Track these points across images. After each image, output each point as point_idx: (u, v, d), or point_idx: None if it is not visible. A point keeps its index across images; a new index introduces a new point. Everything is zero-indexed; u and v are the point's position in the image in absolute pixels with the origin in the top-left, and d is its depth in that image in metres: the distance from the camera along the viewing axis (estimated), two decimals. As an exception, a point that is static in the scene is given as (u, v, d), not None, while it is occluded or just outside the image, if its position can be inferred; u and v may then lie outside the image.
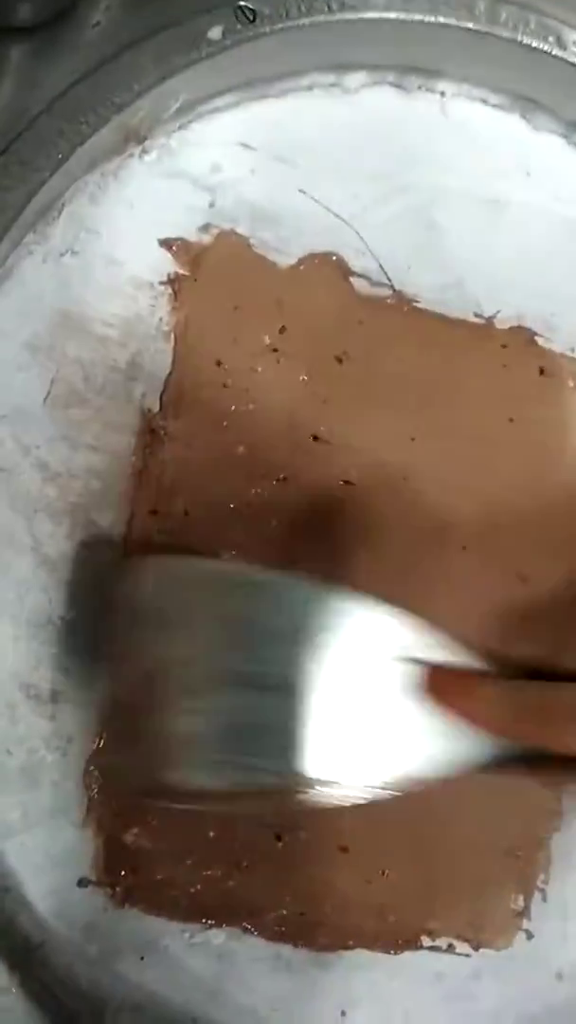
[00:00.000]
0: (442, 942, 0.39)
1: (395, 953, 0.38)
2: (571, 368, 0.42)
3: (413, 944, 0.38)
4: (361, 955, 0.38)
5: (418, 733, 0.30)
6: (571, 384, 0.42)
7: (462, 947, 0.39)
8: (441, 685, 0.29)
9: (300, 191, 0.41)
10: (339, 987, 0.38)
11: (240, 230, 0.40)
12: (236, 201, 0.40)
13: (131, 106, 0.38)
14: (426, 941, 0.39)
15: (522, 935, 0.39)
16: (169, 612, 0.32)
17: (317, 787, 0.30)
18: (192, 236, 0.40)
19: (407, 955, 0.38)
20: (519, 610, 0.41)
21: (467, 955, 0.39)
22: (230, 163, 0.40)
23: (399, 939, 0.38)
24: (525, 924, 0.39)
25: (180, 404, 0.39)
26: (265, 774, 0.30)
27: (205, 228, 0.40)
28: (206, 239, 0.40)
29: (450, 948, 0.39)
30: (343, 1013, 0.38)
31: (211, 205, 0.40)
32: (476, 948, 0.39)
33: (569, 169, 0.43)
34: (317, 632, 0.31)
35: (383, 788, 0.31)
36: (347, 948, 0.38)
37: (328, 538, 0.39)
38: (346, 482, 0.40)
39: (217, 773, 0.30)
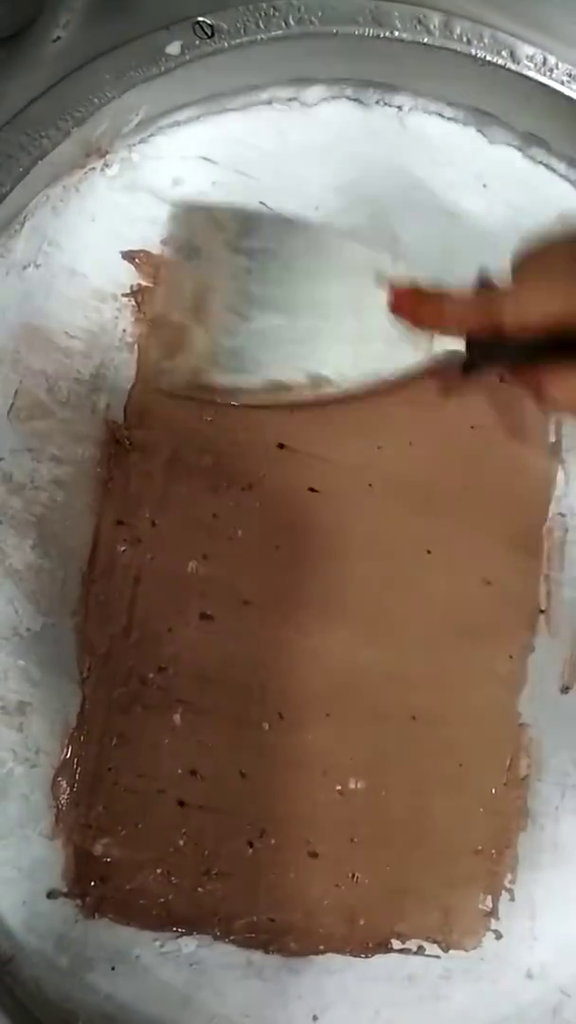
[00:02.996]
0: (412, 944, 0.39)
1: (366, 956, 0.38)
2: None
3: (383, 947, 0.38)
4: (332, 959, 0.38)
5: (393, 338, 0.38)
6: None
7: (432, 949, 0.39)
8: (401, 299, 0.38)
9: (261, 203, 0.41)
10: (310, 991, 0.38)
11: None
12: (197, 210, 0.41)
13: (91, 120, 0.38)
14: (396, 944, 0.39)
15: (491, 935, 0.39)
16: (209, 248, 0.39)
17: (324, 385, 0.38)
18: (155, 248, 0.40)
19: (378, 958, 0.38)
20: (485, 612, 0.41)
21: (437, 956, 0.39)
22: (191, 176, 0.41)
23: (369, 942, 0.38)
24: (494, 924, 0.40)
25: (144, 415, 0.39)
26: (291, 371, 0.38)
27: (168, 240, 0.40)
28: (169, 251, 0.40)
29: (420, 950, 0.39)
30: (315, 1018, 0.38)
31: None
32: (446, 949, 0.39)
33: (525, 181, 0.44)
34: (318, 262, 0.39)
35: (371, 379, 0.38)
36: (318, 953, 0.38)
37: (295, 545, 0.40)
38: (312, 489, 0.40)
39: (253, 374, 0.38)
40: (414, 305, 0.38)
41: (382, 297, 0.38)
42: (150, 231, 0.40)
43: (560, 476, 0.43)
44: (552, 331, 0.34)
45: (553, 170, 0.45)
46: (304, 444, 0.40)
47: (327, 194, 0.42)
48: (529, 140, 0.44)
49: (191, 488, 0.39)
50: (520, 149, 0.44)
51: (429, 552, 0.41)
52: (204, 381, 0.38)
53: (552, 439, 0.43)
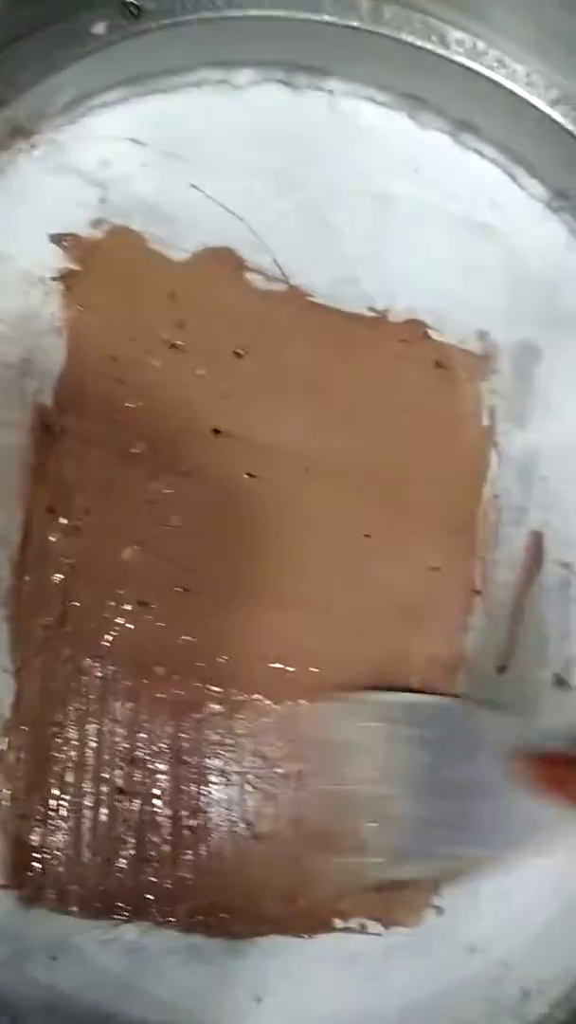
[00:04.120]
0: (354, 923, 0.39)
1: (308, 937, 0.38)
2: (464, 360, 0.43)
3: (325, 927, 0.39)
4: (274, 941, 0.38)
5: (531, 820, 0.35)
6: (464, 376, 0.43)
7: (374, 927, 0.39)
8: (546, 773, 0.33)
9: (192, 186, 0.41)
10: (253, 974, 0.38)
11: (133, 225, 0.40)
12: (127, 196, 0.40)
13: (15, 101, 0.38)
14: (338, 923, 0.39)
15: (432, 912, 0.40)
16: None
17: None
18: (84, 231, 0.39)
19: (320, 938, 0.39)
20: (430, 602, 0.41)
21: (379, 934, 0.39)
22: (120, 158, 0.40)
23: (311, 923, 0.38)
24: (435, 900, 0.40)
25: (75, 400, 0.38)
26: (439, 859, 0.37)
27: (97, 223, 0.40)
28: (98, 234, 0.39)
29: (362, 928, 0.39)
30: (258, 999, 0.38)
31: (102, 200, 0.40)
32: (387, 927, 0.39)
33: (456, 166, 0.44)
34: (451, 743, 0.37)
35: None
36: (260, 935, 0.38)
37: (233, 531, 0.39)
38: (249, 475, 0.40)
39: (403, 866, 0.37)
40: (555, 777, 0.33)
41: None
42: (78, 213, 0.39)
43: (493, 459, 0.43)
44: None
45: (483, 156, 0.45)
46: (240, 429, 0.40)
47: (256, 178, 0.42)
48: (460, 126, 0.44)
49: (125, 475, 0.39)
50: (451, 135, 0.44)
51: (367, 536, 0.41)
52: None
53: (486, 422, 0.43)
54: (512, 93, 0.43)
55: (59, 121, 0.40)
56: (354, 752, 0.36)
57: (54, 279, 0.39)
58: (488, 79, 0.43)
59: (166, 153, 0.41)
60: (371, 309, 0.42)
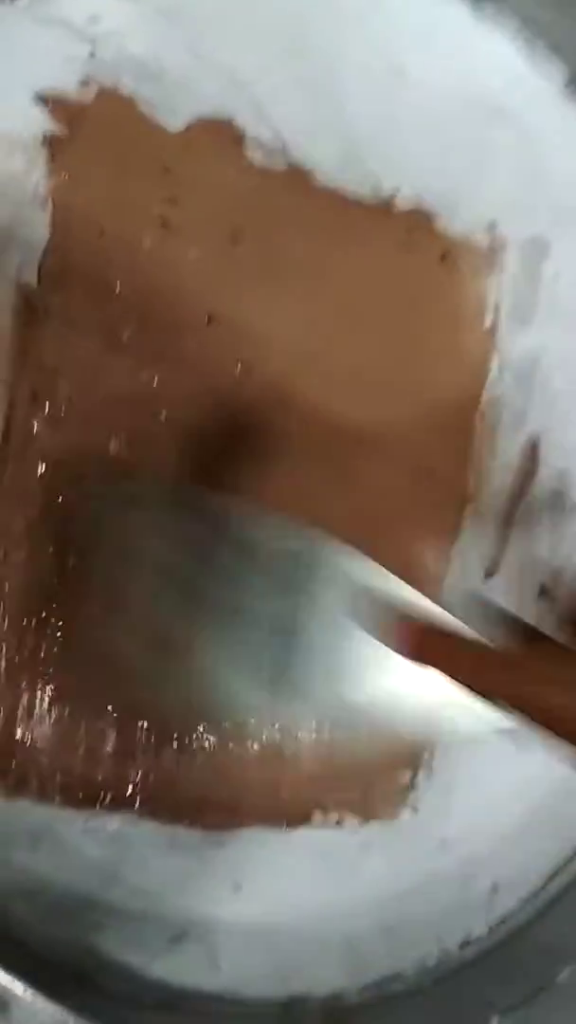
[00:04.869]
0: (332, 817, 0.40)
1: (288, 829, 0.39)
2: (470, 254, 0.41)
3: (305, 819, 0.39)
4: (254, 833, 0.39)
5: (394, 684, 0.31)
6: (469, 271, 0.41)
7: (351, 822, 0.40)
8: (420, 642, 0.29)
9: (188, 47, 0.38)
10: (233, 863, 0.39)
11: (123, 87, 0.37)
12: (118, 54, 0.37)
13: None
14: (317, 816, 0.40)
15: (408, 808, 0.41)
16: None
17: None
18: (71, 91, 0.36)
19: (299, 832, 0.39)
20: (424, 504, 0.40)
21: (355, 831, 0.40)
22: (110, 14, 0.37)
23: (292, 814, 0.39)
24: (411, 798, 0.41)
25: (60, 278, 0.36)
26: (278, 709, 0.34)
27: (85, 82, 0.37)
28: (86, 96, 0.36)
29: (340, 823, 0.40)
30: (237, 888, 0.39)
31: (91, 55, 0.37)
32: (364, 821, 0.40)
33: (474, 41, 0.41)
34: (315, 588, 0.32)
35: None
36: (241, 826, 0.39)
37: (225, 427, 0.38)
38: (243, 367, 0.38)
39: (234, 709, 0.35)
40: (422, 645, 0.29)
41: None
42: (65, 70, 0.36)
43: (494, 361, 0.42)
44: None
45: (504, 29, 0.42)
46: (234, 317, 0.38)
47: (260, 43, 0.38)
48: (480, -7, 0.41)
49: (112, 363, 0.37)
50: (472, 5, 0.41)
51: (361, 435, 0.40)
52: None
53: (489, 323, 0.42)
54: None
55: (44, -33, 0.36)
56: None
57: (38, 143, 0.36)
58: None
59: (161, 11, 0.37)
60: (376, 193, 0.40)
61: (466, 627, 0.29)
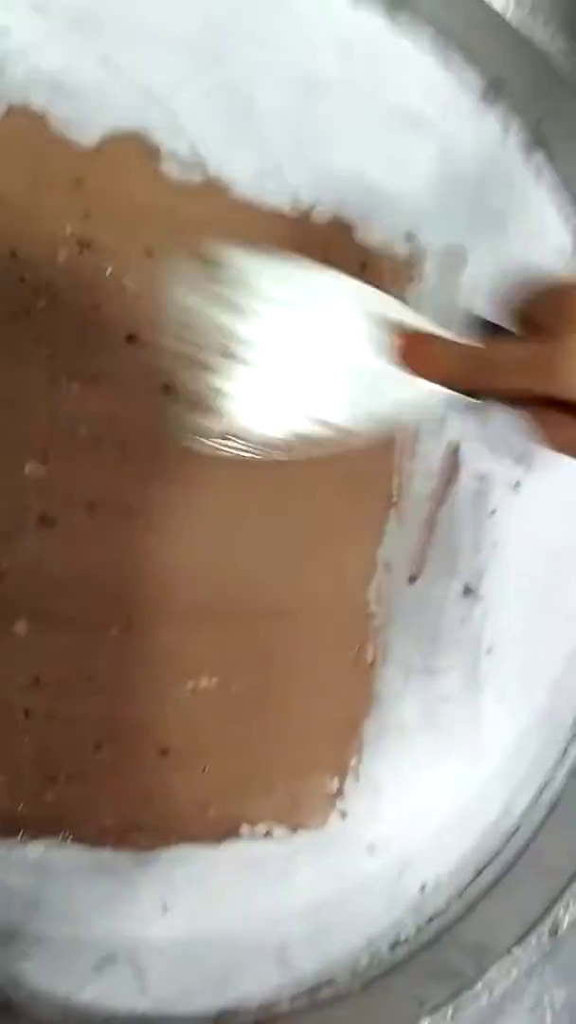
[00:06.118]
0: (261, 828, 0.40)
1: (216, 844, 0.39)
2: (389, 264, 0.41)
3: (233, 833, 0.40)
4: (182, 850, 0.39)
5: (390, 385, 0.33)
6: (388, 281, 0.41)
7: (280, 832, 0.40)
8: (407, 348, 0.32)
9: (102, 61, 0.37)
10: (160, 883, 0.38)
11: (34, 104, 0.36)
12: (29, 71, 0.36)
13: None
14: (246, 829, 0.40)
15: (336, 815, 0.41)
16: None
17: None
18: (-20, 109, 0.36)
19: (227, 845, 0.39)
20: None
21: (284, 839, 0.40)
22: (20, 27, 0.36)
23: (219, 830, 0.39)
24: (339, 804, 0.41)
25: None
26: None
27: (-7, 100, 0.36)
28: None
29: (268, 834, 0.40)
30: (165, 908, 0.39)
31: (-1, 73, 0.36)
32: (293, 831, 0.40)
33: (390, 51, 0.42)
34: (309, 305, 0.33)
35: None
36: (168, 844, 0.39)
37: (143, 444, 0.38)
38: (167, 387, 0.38)
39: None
40: (417, 354, 0.32)
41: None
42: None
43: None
44: None
45: (420, 39, 0.42)
46: (155, 336, 0.37)
47: (175, 54, 0.38)
48: (396, 3, 0.41)
49: (27, 382, 0.36)
50: (387, 15, 0.41)
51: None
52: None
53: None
54: (451, -29, 0.40)
55: (-53, -21, 0.35)
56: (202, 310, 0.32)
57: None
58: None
59: (73, 22, 0.37)
60: (295, 205, 0.40)
61: (446, 333, 0.32)
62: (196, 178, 0.38)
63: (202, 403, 0.33)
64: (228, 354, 0.32)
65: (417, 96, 0.42)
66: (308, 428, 0.33)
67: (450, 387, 0.32)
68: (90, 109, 0.37)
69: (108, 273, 0.37)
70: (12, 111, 0.36)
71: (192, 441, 0.33)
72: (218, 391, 0.32)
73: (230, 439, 0.33)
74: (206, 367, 0.32)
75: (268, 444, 0.33)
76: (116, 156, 0.37)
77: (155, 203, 0.38)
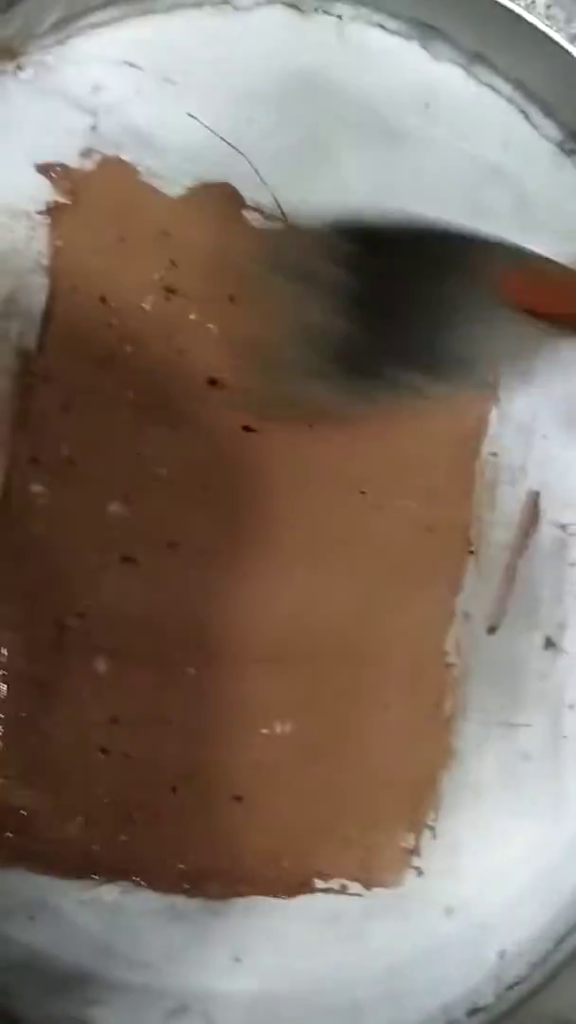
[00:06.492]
0: (334, 883, 0.39)
1: (288, 897, 0.38)
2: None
3: (306, 887, 0.39)
4: (255, 901, 0.38)
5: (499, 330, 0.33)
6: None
7: (354, 887, 0.39)
8: (521, 284, 0.32)
9: (189, 115, 0.38)
10: (233, 933, 0.38)
11: (125, 156, 0.38)
12: (120, 124, 0.38)
13: (1, 20, 0.35)
14: (319, 883, 0.39)
15: (412, 872, 0.40)
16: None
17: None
18: (73, 161, 0.37)
19: (300, 898, 0.39)
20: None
21: (359, 895, 0.39)
22: (113, 82, 0.38)
23: (292, 883, 0.38)
24: (415, 862, 0.40)
25: (60, 344, 0.36)
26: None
27: (87, 153, 0.37)
28: (88, 165, 0.37)
29: (342, 889, 0.39)
30: (237, 959, 0.38)
31: (93, 128, 0.38)
32: (367, 887, 0.39)
33: (468, 102, 0.42)
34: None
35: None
36: (241, 895, 0.38)
37: (225, 485, 0.38)
38: (247, 428, 0.38)
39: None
40: (536, 292, 0.32)
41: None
42: (67, 142, 0.37)
43: (494, 415, 0.42)
44: None
45: (498, 92, 0.43)
46: (238, 379, 0.38)
47: (259, 108, 0.39)
48: (474, 58, 0.42)
49: (112, 425, 0.37)
50: (464, 67, 0.42)
51: (363, 492, 0.40)
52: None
53: (489, 378, 0.42)
54: (531, 25, 0.40)
55: (48, 41, 0.37)
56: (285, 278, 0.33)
57: (40, 213, 0.37)
58: (506, 8, 0.40)
59: (162, 78, 0.38)
60: (374, 255, 0.40)
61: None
62: (278, 227, 0.39)
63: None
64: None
65: (495, 146, 0.42)
66: (406, 382, 0.32)
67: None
68: (177, 161, 0.38)
69: (192, 318, 0.38)
70: (105, 161, 0.37)
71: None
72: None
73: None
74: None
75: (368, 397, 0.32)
76: (202, 206, 0.38)
77: (239, 251, 0.39)
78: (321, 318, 0.33)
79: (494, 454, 0.42)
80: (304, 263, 0.33)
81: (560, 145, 0.43)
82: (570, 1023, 0.38)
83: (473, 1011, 0.40)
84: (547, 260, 0.31)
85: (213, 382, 0.38)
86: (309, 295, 0.33)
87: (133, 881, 0.37)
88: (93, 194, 0.37)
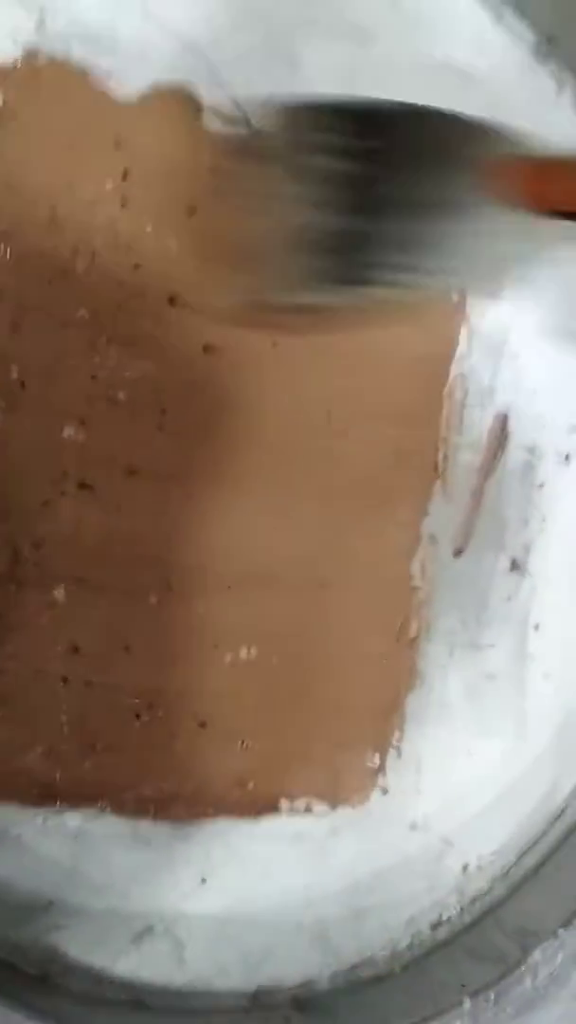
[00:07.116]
0: (300, 804, 0.40)
1: (255, 818, 0.39)
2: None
3: (272, 808, 0.39)
4: (220, 823, 0.38)
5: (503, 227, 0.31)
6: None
7: (320, 807, 0.40)
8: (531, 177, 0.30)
9: (144, 12, 0.36)
10: (198, 856, 0.38)
11: (74, 56, 0.36)
12: (69, 22, 0.36)
13: None
14: (285, 804, 0.39)
15: (378, 791, 0.40)
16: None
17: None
18: (17, 62, 0.35)
19: (266, 820, 0.39)
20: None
21: (325, 815, 0.40)
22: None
23: (258, 804, 0.39)
24: (380, 781, 0.41)
25: (7, 260, 0.35)
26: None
27: (32, 54, 0.35)
28: (33, 66, 0.35)
29: (308, 809, 0.40)
30: (203, 880, 0.38)
31: (40, 26, 0.35)
32: (333, 807, 0.40)
33: (440, 4, 0.40)
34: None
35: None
36: (206, 817, 0.38)
37: (186, 409, 0.37)
38: (207, 348, 0.37)
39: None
40: (539, 183, 0.30)
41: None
42: (11, 42, 0.35)
43: (463, 335, 0.41)
44: None
45: (470, -8, 0.40)
46: (199, 296, 0.37)
47: (219, 4, 0.37)
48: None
49: (65, 345, 0.36)
50: (437, -34, 0.40)
51: (329, 413, 0.39)
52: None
53: (456, 298, 0.41)
54: None
55: None
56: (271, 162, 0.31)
57: (-19, 115, 0.35)
58: None
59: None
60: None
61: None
62: (239, 133, 0.37)
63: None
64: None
65: (467, 50, 0.41)
66: (405, 282, 0.30)
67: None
68: (130, 62, 0.36)
69: (147, 231, 0.36)
70: (52, 63, 0.35)
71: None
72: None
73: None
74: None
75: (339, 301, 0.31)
76: (157, 111, 0.36)
77: (197, 160, 0.37)
78: (295, 217, 0.31)
79: (462, 375, 0.41)
80: (275, 162, 0.31)
81: (535, 50, 0.41)
82: (531, 934, 0.38)
83: (437, 924, 0.41)
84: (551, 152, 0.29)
85: (172, 300, 0.37)
86: (280, 196, 0.31)
87: (97, 807, 0.37)
88: (40, 97, 0.35)
